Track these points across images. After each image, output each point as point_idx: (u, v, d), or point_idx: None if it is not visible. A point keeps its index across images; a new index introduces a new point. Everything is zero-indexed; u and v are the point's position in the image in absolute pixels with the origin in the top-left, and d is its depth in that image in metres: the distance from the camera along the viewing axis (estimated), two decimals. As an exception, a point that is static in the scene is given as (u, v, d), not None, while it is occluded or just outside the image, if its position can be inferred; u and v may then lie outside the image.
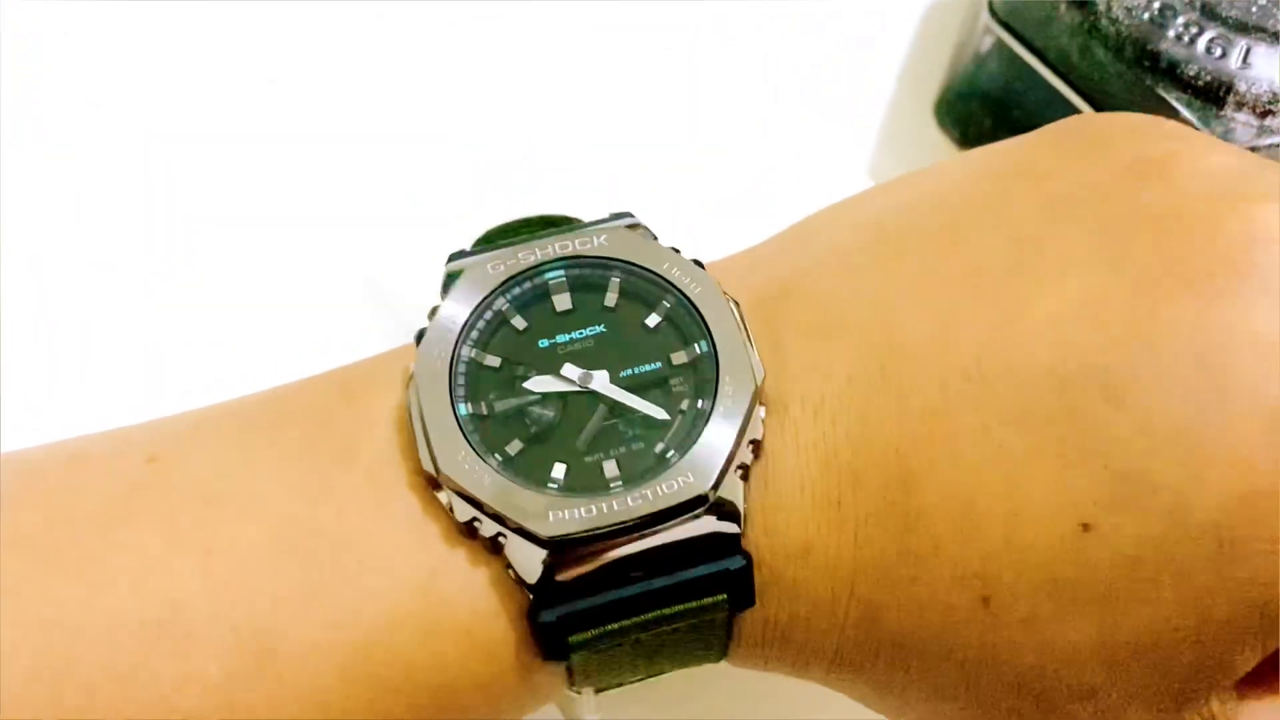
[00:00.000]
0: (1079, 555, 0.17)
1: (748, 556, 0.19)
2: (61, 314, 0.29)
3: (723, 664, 0.21)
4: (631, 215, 0.23)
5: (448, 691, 0.19)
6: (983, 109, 0.34)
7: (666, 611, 0.19)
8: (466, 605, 0.18)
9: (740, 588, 0.19)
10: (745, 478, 0.19)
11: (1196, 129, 0.28)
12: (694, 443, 0.19)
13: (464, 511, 0.18)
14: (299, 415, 0.20)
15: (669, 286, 0.21)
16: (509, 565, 0.18)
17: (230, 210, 0.32)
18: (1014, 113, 0.32)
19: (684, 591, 0.19)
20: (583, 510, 0.18)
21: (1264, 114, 0.29)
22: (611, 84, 0.35)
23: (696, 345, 0.20)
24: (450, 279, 0.21)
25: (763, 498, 0.19)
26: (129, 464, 0.20)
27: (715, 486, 0.19)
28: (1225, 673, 0.18)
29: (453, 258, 0.22)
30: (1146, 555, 0.17)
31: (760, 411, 0.19)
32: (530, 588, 0.18)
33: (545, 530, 0.18)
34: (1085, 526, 0.17)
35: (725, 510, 0.19)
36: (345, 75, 0.34)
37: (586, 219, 0.23)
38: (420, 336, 0.20)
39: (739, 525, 0.19)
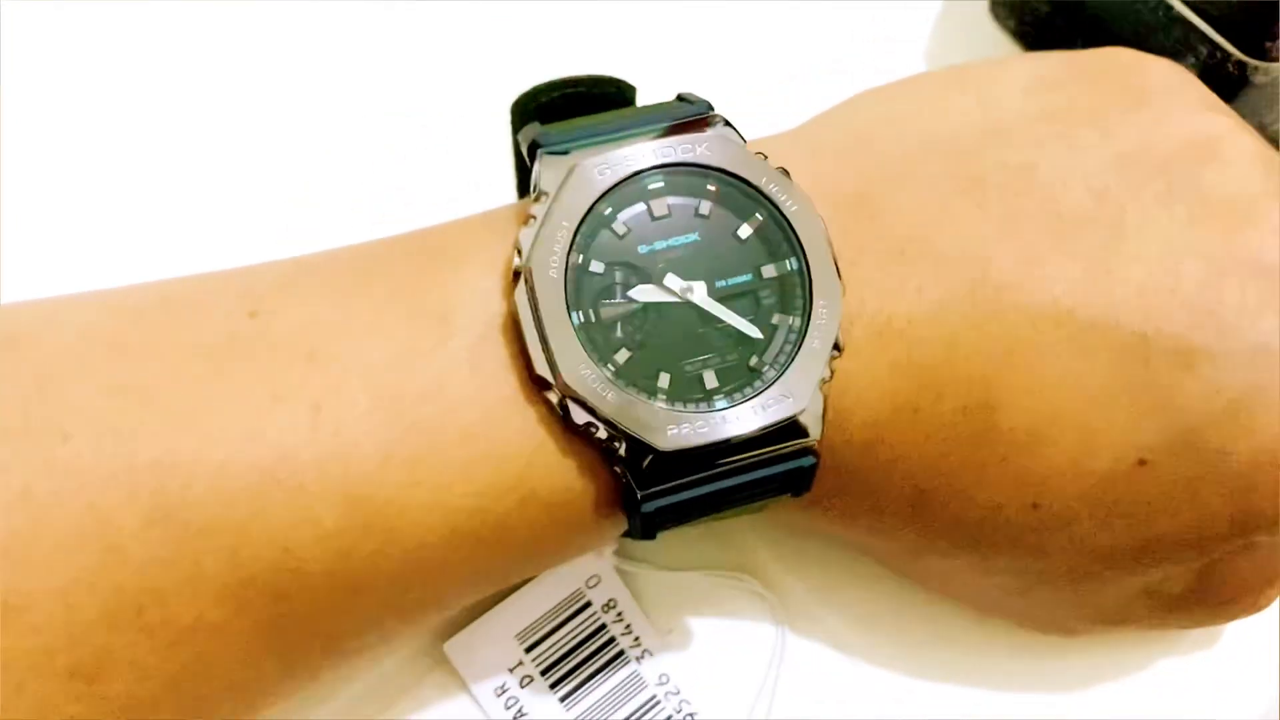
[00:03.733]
0: (1130, 484, 0.21)
1: (818, 455, 0.21)
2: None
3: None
4: (711, 106, 0.23)
5: (534, 546, 0.21)
6: None
7: (743, 503, 0.21)
8: (562, 483, 0.20)
9: (806, 479, 0.21)
10: (826, 387, 0.21)
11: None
12: (791, 362, 0.21)
13: (580, 415, 0.20)
14: (395, 274, 0.21)
15: (763, 199, 0.22)
16: (615, 462, 0.20)
17: (233, 184, 0.30)
18: None
19: (761, 487, 0.21)
20: (697, 426, 0.20)
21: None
22: (665, 11, 0.33)
23: (788, 261, 0.21)
24: (537, 151, 0.21)
25: (841, 399, 0.21)
26: (230, 315, 0.20)
27: (807, 407, 0.21)
28: (1207, 555, 0.23)
29: (539, 141, 0.22)
30: (1180, 488, 0.21)
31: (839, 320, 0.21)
32: (636, 482, 0.20)
33: (665, 444, 0.20)
34: (1142, 462, 0.21)
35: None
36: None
37: (636, 88, 0.23)
38: (522, 241, 0.20)
39: (819, 432, 0.21)
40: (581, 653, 0.26)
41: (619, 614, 0.26)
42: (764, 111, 0.30)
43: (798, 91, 0.33)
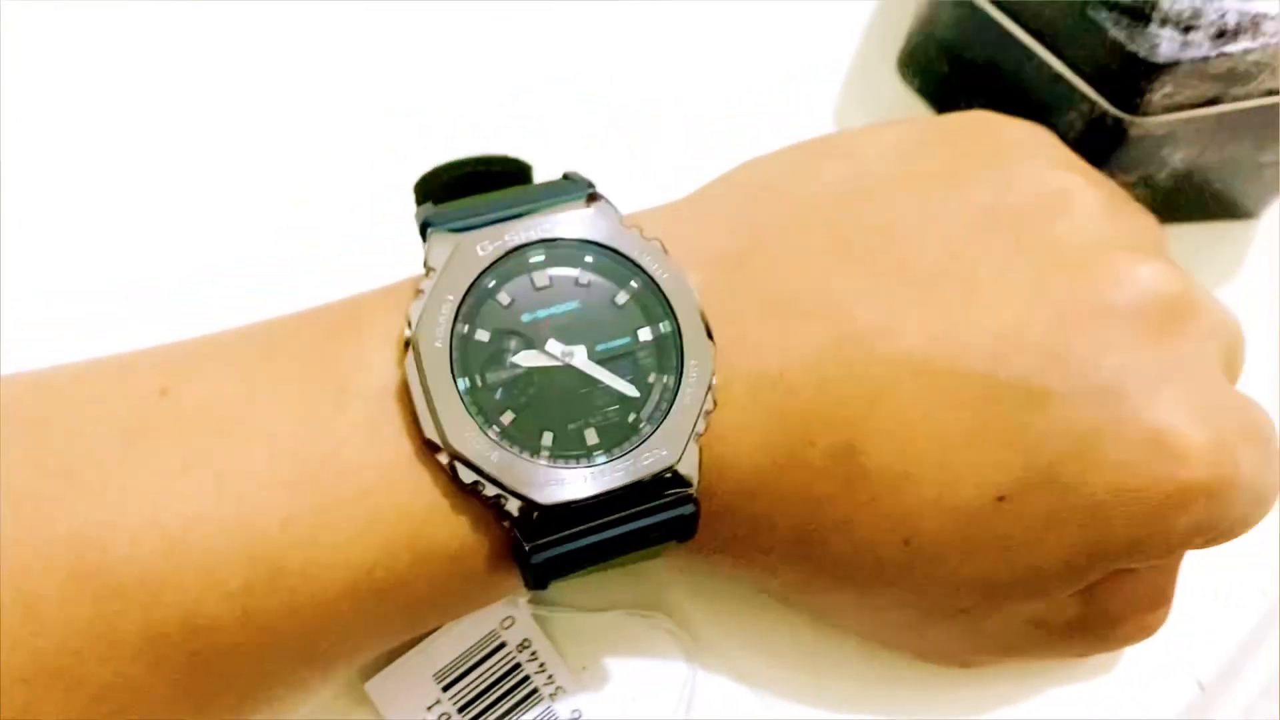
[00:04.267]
0: (991, 519, 0.22)
1: (697, 503, 0.22)
2: (61, 309, 0.29)
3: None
4: (592, 186, 0.24)
5: (435, 599, 0.22)
6: (939, 55, 0.35)
7: (632, 551, 0.22)
8: (456, 539, 0.21)
9: (689, 525, 0.22)
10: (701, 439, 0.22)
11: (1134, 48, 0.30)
12: (664, 417, 0.22)
13: (467, 475, 0.21)
14: (296, 348, 0.22)
15: (636, 269, 0.23)
16: (504, 518, 0.21)
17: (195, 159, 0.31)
18: (967, 56, 0.34)
19: (646, 535, 0.22)
20: (576, 480, 0.21)
21: (1186, 29, 0.32)
22: (573, 38, 0.34)
23: (662, 324, 0.22)
24: (428, 230, 0.23)
25: (720, 448, 0.23)
26: (143, 393, 0.21)
27: (681, 458, 0.22)
28: (1076, 583, 0.24)
29: (431, 220, 0.23)
30: (1040, 521, 0.22)
31: (713, 379, 0.22)
32: (523, 535, 0.21)
33: (546, 499, 0.21)
34: (1001, 498, 0.22)
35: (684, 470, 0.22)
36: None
37: (533, 166, 0.25)
38: (411, 314, 0.22)
39: (695, 483, 0.22)
40: (496, 691, 0.27)
41: (533, 653, 0.27)
42: (764, 112, 0.33)
43: (798, 91, 0.34)
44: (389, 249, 0.28)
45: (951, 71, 0.34)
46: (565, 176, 0.25)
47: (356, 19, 0.34)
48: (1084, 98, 0.30)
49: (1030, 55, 0.31)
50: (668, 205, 0.26)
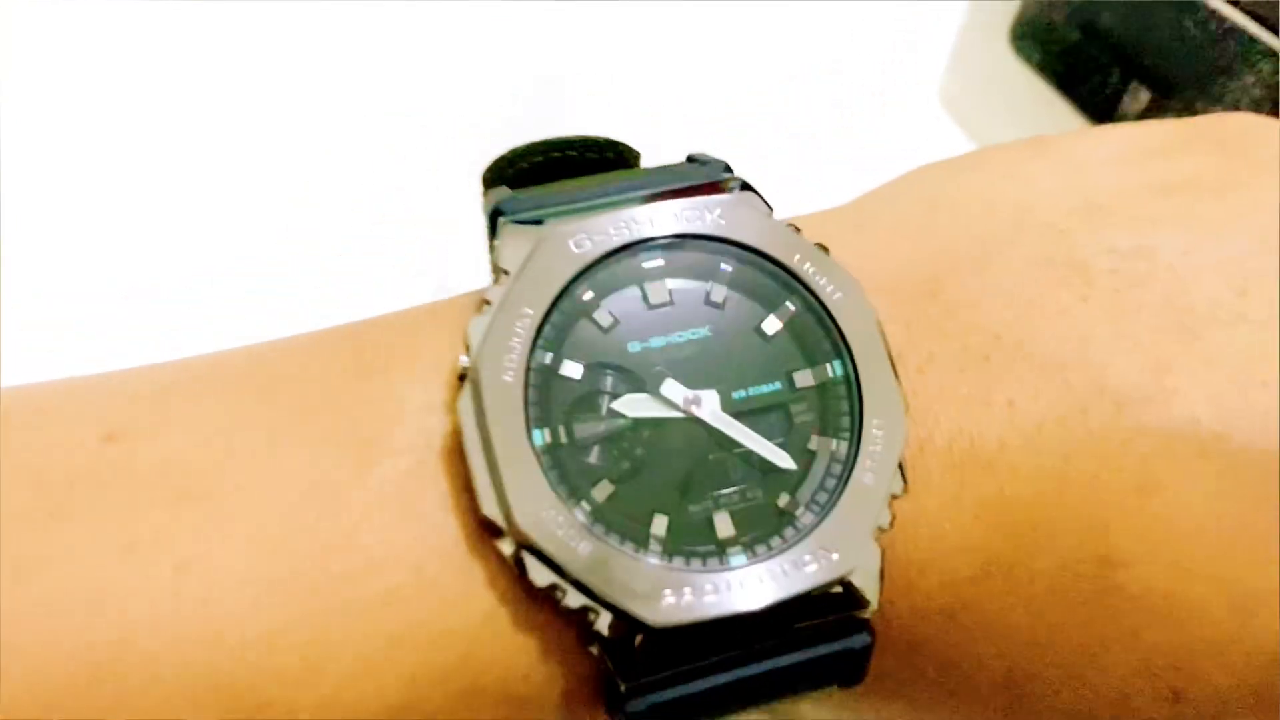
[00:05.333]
0: None
1: (873, 633, 0.16)
2: (61, 309, 0.28)
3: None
4: (730, 169, 0.18)
5: None
6: (1066, 21, 0.29)
7: (772, 698, 0.16)
8: (518, 669, 0.16)
9: (858, 665, 0.16)
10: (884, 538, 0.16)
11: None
12: (835, 502, 0.16)
13: (541, 575, 0.15)
14: (305, 383, 0.17)
15: (796, 283, 0.17)
16: (592, 640, 0.15)
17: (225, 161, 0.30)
18: (1103, 20, 0.28)
19: (796, 676, 0.16)
20: (704, 592, 0.15)
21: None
22: (573, 38, 0.34)
23: (829, 365, 0.17)
24: (499, 220, 0.17)
25: (908, 553, 0.17)
26: (84, 438, 0.16)
27: (856, 565, 0.15)
28: None
29: (502, 208, 0.17)
30: None
31: (903, 451, 0.16)
32: (620, 670, 0.15)
33: (658, 617, 0.15)
34: None
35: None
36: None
37: (641, 155, 0.19)
38: (470, 335, 0.16)
39: (873, 603, 0.16)
40: None
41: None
42: (764, 111, 0.30)
43: (797, 91, 0.32)
44: (389, 249, 0.27)
45: (1083, 39, 0.28)
46: (690, 159, 0.18)
47: (357, 19, 0.33)
48: (1268, 54, 0.23)
49: (1194, 7, 0.25)
50: (824, 211, 0.19)
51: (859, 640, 0.16)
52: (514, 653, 0.15)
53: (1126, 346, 0.17)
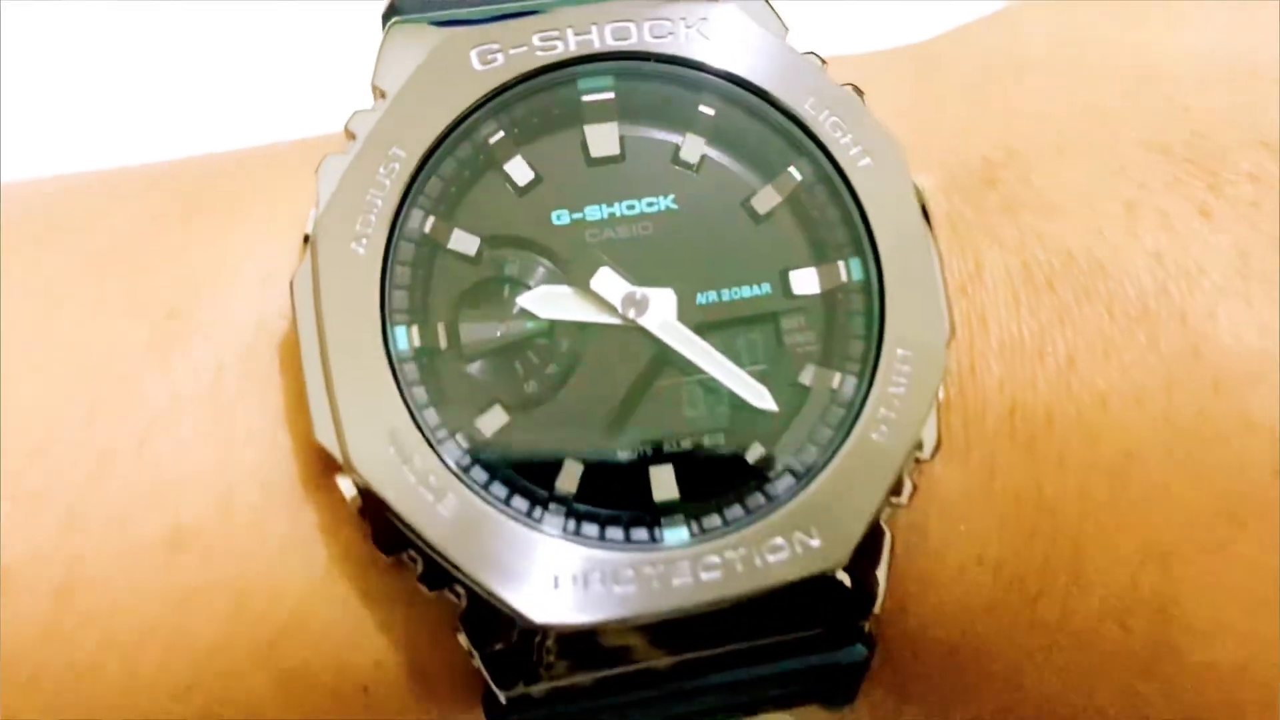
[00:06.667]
0: None
1: (873, 643, 0.12)
2: None
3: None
4: None
5: None
6: None
7: (734, 715, 0.13)
8: (366, 653, 0.12)
9: (849, 681, 0.13)
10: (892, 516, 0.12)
11: None
12: (826, 465, 0.11)
13: (390, 537, 0.11)
14: (95, 237, 0.13)
15: (808, 140, 0.12)
16: (463, 629, 0.11)
17: None
18: None
19: (767, 691, 0.12)
20: (616, 580, 0.11)
21: None
22: None
23: (842, 265, 0.12)
24: (391, 21, 0.13)
25: (906, 554, 0.13)
26: None
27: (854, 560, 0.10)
28: None
29: (401, 4, 0.13)
30: None
31: (940, 394, 0.12)
32: (493, 674, 0.11)
33: (541, 612, 0.11)
34: None
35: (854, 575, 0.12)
36: None
37: None
38: (320, 184, 0.11)
39: (876, 606, 0.12)
40: None
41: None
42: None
43: None
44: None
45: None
46: None
47: (357, 19, 0.28)
48: None
49: None
50: (859, 56, 0.15)
51: (851, 654, 0.12)
52: (360, 629, 0.12)
53: (1250, 293, 0.12)
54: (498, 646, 0.11)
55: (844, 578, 0.12)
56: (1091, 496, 0.12)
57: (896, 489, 0.12)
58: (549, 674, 0.12)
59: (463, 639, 0.12)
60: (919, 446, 0.12)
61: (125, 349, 0.12)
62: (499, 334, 0.12)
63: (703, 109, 0.12)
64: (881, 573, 0.12)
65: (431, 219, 0.11)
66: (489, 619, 0.11)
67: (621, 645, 0.12)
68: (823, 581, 0.12)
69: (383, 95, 0.12)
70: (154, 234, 0.13)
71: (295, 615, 0.12)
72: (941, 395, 0.12)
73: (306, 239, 0.12)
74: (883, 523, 0.12)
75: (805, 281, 0.12)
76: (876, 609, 0.12)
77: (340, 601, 0.12)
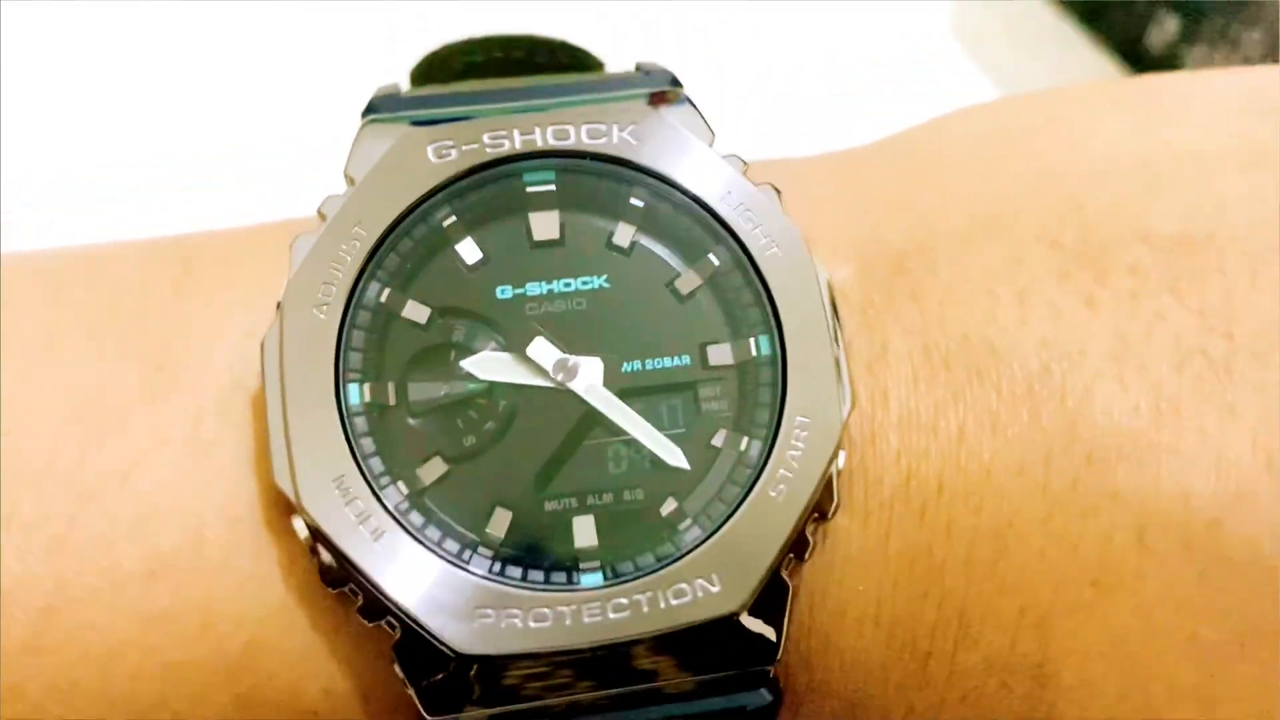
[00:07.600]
0: None
1: (779, 690, 0.13)
2: None
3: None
4: (668, 73, 0.14)
5: None
6: None
7: None
8: (317, 679, 0.13)
9: None
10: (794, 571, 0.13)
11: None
12: (731, 516, 0.12)
13: (335, 572, 0.12)
14: (99, 295, 0.14)
15: (724, 233, 0.13)
16: (397, 659, 0.12)
17: None
18: None
19: None
20: (532, 618, 0.12)
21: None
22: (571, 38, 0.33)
23: (753, 341, 0.13)
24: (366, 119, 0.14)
25: (810, 610, 0.13)
26: None
27: (754, 604, 0.11)
28: None
29: (377, 105, 0.14)
30: None
31: (839, 460, 0.13)
32: (424, 700, 0.12)
33: (463, 642, 0.12)
34: None
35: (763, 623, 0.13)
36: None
37: (591, 53, 0.15)
38: (293, 256, 0.13)
39: (778, 654, 0.12)
40: None
41: None
42: (762, 122, 0.27)
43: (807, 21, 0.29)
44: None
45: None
46: (638, 69, 0.14)
47: (358, 19, 0.31)
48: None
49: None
50: (795, 160, 0.15)
51: (758, 698, 0.13)
52: (312, 656, 0.13)
53: (1124, 376, 0.13)
54: (437, 678, 0.12)
55: (752, 624, 0.13)
56: (976, 562, 0.13)
57: (799, 546, 0.12)
58: (476, 706, 0.13)
59: (397, 669, 0.12)
60: (818, 507, 0.13)
61: (117, 395, 0.13)
62: (443, 393, 0.13)
63: (633, 201, 0.13)
64: (784, 622, 0.13)
65: (387, 290, 0.13)
66: (421, 651, 0.12)
67: (547, 680, 0.12)
68: (730, 626, 0.12)
69: (352, 182, 0.13)
70: (148, 298, 0.14)
71: (254, 641, 0.12)
72: (843, 462, 0.13)
73: (279, 305, 0.14)
74: (785, 576, 0.12)
75: (721, 355, 0.13)
76: (779, 655, 0.13)
77: (295, 631, 0.13)
